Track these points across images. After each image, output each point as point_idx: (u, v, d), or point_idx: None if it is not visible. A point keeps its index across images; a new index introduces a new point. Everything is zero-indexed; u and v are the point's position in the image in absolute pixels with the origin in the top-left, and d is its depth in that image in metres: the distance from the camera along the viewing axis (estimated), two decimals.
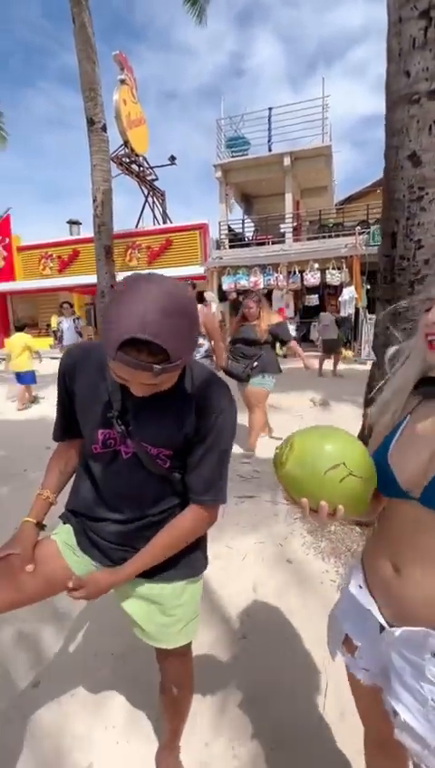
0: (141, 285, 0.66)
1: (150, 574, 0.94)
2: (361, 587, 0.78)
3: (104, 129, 5.89)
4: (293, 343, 3.70)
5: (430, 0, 1.41)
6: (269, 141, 13.21)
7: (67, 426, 0.99)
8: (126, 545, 0.93)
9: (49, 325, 9.98)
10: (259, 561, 2.20)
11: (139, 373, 0.68)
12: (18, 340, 6.06)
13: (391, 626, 0.70)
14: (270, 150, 13.10)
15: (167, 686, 1.09)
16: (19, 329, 6.38)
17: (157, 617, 0.97)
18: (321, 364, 7.90)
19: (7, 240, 15.27)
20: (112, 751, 1.27)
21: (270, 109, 13.18)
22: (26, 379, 6.02)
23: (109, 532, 0.93)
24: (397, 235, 1.79)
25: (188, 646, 1.07)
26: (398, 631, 0.67)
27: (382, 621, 0.72)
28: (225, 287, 12.04)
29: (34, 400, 6.38)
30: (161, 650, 1.02)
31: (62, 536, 1.00)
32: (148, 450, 0.86)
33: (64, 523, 1.03)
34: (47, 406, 6.23)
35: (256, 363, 3.58)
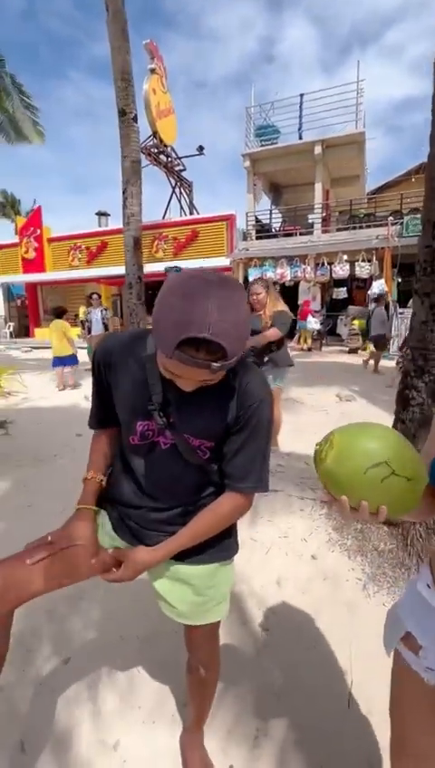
0: (198, 282, 0.65)
1: (184, 556, 0.95)
2: (429, 587, 0.74)
3: (135, 119, 5.89)
4: (271, 331, 3.09)
5: None
6: (300, 129, 12.90)
7: (104, 415, 1.00)
8: (161, 531, 0.94)
9: (77, 315, 10.17)
10: (283, 555, 2.19)
11: (195, 371, 0.68)
12: (57, 326, 6.63)
13: None
14: (301, 138, 12.78)
15: (194, 665, 1.11)
16: (58, 315, 6.78)
17: (189, 596, 0.98)
18: (377, 361, 7.70)
19: (38, 232, 15.66)
20: (138, 731, 1.30)
21: (301, 95, 12.83)
22: (68, 360, 6.62)
23: (145, 519, 0.94)
24: None
25: (217, 625, 1.08)
26: None
27: None
28: (251, 279, 11.93)
29: (75, 386, 6.75)
30: (190, 628, 1.04)
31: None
32: (189, 441, 0.86)
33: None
34: (76, 393, 6.41)
35: (266, 359, 3.26)
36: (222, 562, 1.01)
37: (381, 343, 7.92)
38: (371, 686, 1.40)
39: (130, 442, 0.91)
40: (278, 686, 1.45)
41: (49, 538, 0.94)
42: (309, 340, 11.15)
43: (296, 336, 11.55)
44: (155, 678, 1.48)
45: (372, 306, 9.48)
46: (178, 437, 0.86)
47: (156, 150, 13.83)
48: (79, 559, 0.92)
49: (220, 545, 0.99)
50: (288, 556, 2.18)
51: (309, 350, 11.04)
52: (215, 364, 0.66)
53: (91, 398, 1.03)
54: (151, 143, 13.56)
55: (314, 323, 10.99)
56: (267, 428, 0.88)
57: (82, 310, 9.60)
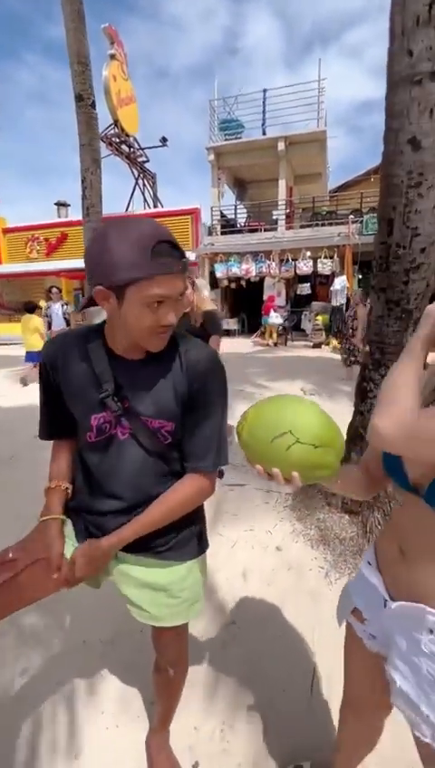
0: (123, 220, 0.71)
1: (154, 557, 0.92)
2: (370, 563, 0.82)
3: (93, 105, 5.66)
4: (214, 338, 2.92)
5: None
6: (263, 125, 12.96)
7: (55, 425, 0.94)
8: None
9: (37, 307, 9.74)
10: (248, 548, 2.21)
11: (174, 280, 0.71)
12: (29, 321, 6.50)
13: (393, 600, 0.74)
14: (264, 134, 12.85)
15: (162, 665, 1.09)
16: (29, 311, 6.61)
17: (163, 599, 0.96)
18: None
19: None
20: (103, 736, 1.27)
21: (265, 91, 12.88)
22: (38, 357, 6.40)
23: (111, 525, 0.89)
24: (394, 221, 1.76)
25: (186, 624, 1.06)
26: (395, 605, 0.72)
27: (386, 596, 0.76)
28: (217, 274, 11.91)
29: None
30: (160, 629, 1.01)
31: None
32: (148, 424, 0.83)
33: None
34: (35, 392, 6.14)
35: None
36: (193, 561, 0.98)
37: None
38: (333, 670, 1.44)
39: (87, 441, 0.87)
40: (244, 678, 1.46)
41: (10, 554, 0.88)
42: (275, 336, 11.31)
43: (260, 331, 11.68)
44: (119, 681, 1.45)
45: (334, 302, 9.73)
46: (135, 423, 0.83)
47: (117, 140, 13.43)
48: (40, 576, 0.86)
49: (190, 541, 0.97)
50: (254, 549, 2.20)
51: (275, 345, 11.21)
52: (184, 261, 0.72)
53: (40, 407, 0.96)
54: (113, 132, 13.15)
55: (275, 318, 11.13)
56: (222, 404, 0.87)
57: (42, 304, 9.22)
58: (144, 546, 0.91)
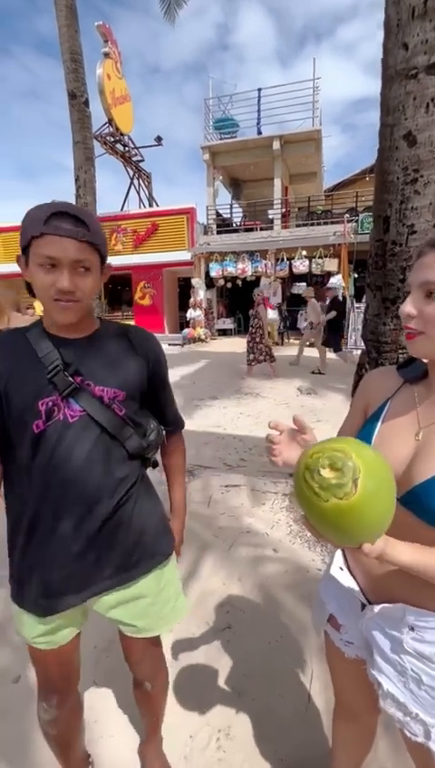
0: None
1: (125, 577, 0.90)
2: (342, 569, 0.80)
3: (86, 103, 5.61)
4: None
5: None
6: (258, 123, 12.91)
7: None
8: (94, 546, 0.85)
9: (28, 307, 9.68)
10: (245, 550, 2.18)
11: (70, 243, 0.74)
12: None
13: (371, 604, 0.73)
14: (260, 133, 12.81)
15: (139, 680, 1.06)
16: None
17: (145, 608, 0.94)
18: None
19: None
20: (97, 746, 1.24)
21: (259, 90, 12.85)
22: None
23: (77, 553, 0.83)
24: (390, 219, 1.73)
25: (158, 636, 1.03)
26: (377, 608, 0.70)
27: (363, 600, 0.75)
28: (213, 274, 11.87)
29: None
30: (129, 643, 0.99)
31: (39, 629, 0.88)
32: (103, 395, 0.83)
33: (21, 606, 0.88)
34: None
35: None
36: (162, 564, 0.96)
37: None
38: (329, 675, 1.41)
39: (33, 432, 0.79)
40: (240, 684, 1.43)
41: None
42: (274, 335, 11.27)
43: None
44: (113, 689, 1.42)
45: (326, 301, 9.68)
46: (88, 400, 0.81)
47: (112, 139, 13.35)
48: None
49: (156, 546, 0.95)
50: (250, 551, 2.17)
51: (274, 344, 11.20)
52: (81, 231, 0.75)
53: None
54: (107, 131, 13.07)
55: (273, 314, 11.06)
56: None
57: (38, 305, 9.14)
58: (116, 572, 0.88)
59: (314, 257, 10.75)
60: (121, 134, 13.59)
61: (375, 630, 0.73)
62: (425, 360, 0.69)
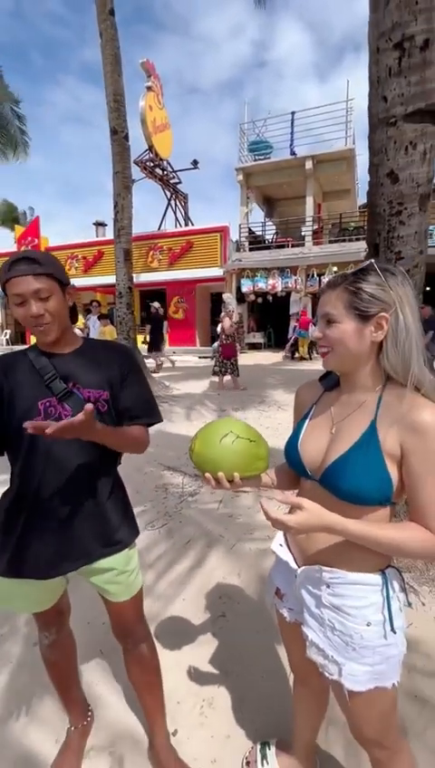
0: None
1: (99, 554, 1.08)
2: (281, 545, 0.97)
3: (126, 138, 6.16)
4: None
5: (403, 33, 1.53)
6: (292, 145, 13.26)
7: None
8: (88, 523, 1.04)
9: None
10: (246, 549, 2.34)
11: (27, 279, 0.93)
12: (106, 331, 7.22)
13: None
14: (293, 154, 13.14)
15: (132, 646, 1.20)
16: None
17: (115, 577, 1.12)
18: None
19: (36, 241, 15.90)
20: (96, 706, 1.43)
21: (293, 113, 13.24)
22: None
23: (73, 528, 1.03)
24: (379, 246, 1.89)
25: (141, 594, 1.20)
26: (299, 570, 0.88)
27: (295, 567, 0.91)
28: (244, 289, 12.17)
29: None
30: (121, 609, 1.15)
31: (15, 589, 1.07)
32: (89, 395, 1.03)
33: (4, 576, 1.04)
34: None
35: None
36: (130, 545, 1.14)
37: None
38: None
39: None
40: (228, 664, 1.59)
41: None
42: (305, 349, 11.34)
43: (290, 345, 11.74)
44: (108, 662, 1.61)
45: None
46: (77, 401, 0.99)
47: (151, 164, 14.19)
48: None
49: (129, 532, 1.14)
50: (251, 550, 2.33)
51: (301, 359, 11.26)
52: (33, 267, 0.93)
53: None
54: (147, 157, 13.92)
55: (314, 331, 11.10)
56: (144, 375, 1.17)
57: (80, 317, 9.82)
58: (105, 542, 1.08)
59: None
60: (161, 159, 14.39)
61: (303, 591, 0.90)
62: (338, 372, 0.87)
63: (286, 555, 0.95)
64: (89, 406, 0.83)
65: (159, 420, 1.17)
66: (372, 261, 0.77)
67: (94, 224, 17.84)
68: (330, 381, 0.91)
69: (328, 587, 0.84)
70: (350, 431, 0.81)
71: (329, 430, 0.85)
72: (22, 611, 1.14)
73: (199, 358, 11.94)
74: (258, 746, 1.26)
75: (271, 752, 1.24)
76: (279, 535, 1.00)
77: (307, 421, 0.91)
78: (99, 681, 1.53)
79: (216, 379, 7.33)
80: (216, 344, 7.46)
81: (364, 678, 0.81)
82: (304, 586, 0.89)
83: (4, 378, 1.02)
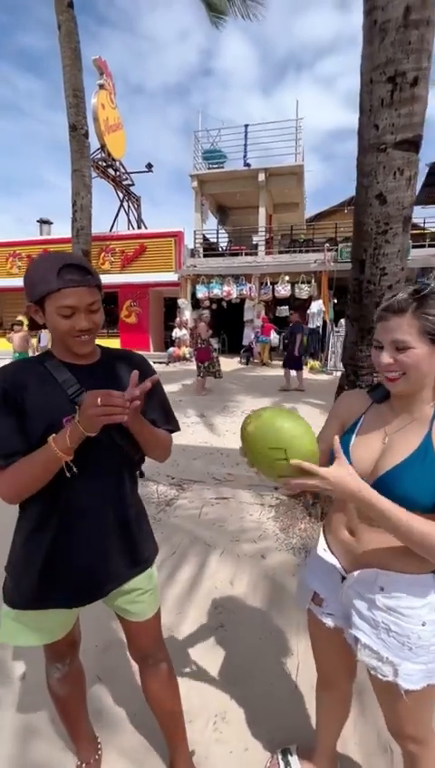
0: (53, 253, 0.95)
1: (125, 576, 1.04)
2: (325, 549, 0.99)
3: (86, 135, 5.94)
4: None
5: (396, 69, 1.67)
6: (245, 156, 13.65)
7: (11, 437, 0.92)
8: (114, 547, 0.99)
9: (14, 325, 9.65)
10: (235, 557, 2.34)
11: (81, 291, 0.88)
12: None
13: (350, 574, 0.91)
14: (247, 165, 13.53)
15: (143, 657, 1.14)
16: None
17: (139, 596, 1.08)
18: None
19: None
20: (104, 732, 1.35)
21: (246, 126, 13.65)
22: None
23: (101, 553, 0.97)
24: (365, 262, 2.02)
25: (159, 612, 1.15)
26: (356, 573, 0.90)
27: (343, 572, 0.94)
28: (199, 296, 12.22)
29: None
30: (146, 627, 1.10)
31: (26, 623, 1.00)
32: None
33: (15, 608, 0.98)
34: None
35: None
36: (152, 563, 1.12)
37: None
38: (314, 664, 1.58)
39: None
40: (234, 675, 1.58)
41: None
42: (266, 354, 11.62)
43: (244, 350, 11.98)
44: (116, 684, 1.53)
45: (311, 325, 10.12)
46: None
47: (104, 164, 13.81)
48: None
49: (151, 552, 1.11)
50: (240, 558, 2.33)
51: (263, 364, 11.55)
52: (90, 278, 0.89)
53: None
54: (99, 156, 13.52)
55: (275, 338, 11.41)
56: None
57: (24, 319, 9.20)
58: (132, 560, 1.04)
59: (296, 283, 11.28)
60: (113, 159, 14.06)
61: (353, 596, 0.91)
62: (403, 393, 0.89)
63: (332, 560, 0.97)
64: (154, 377, 0.86)
65: (178, 428, 1.14)
66: (434, 285, 0.82)
67: (39, 221, 16.89)
68: (378, 394, 0.95)
69: (382, 589, 0.87)
70: (405, 442, 0.85)
71: (381, 440, 0.89)
72: (31, 645, 1.03)
73: (154, 363, 11.73)
74: (279, 755, 1.27)
75: (293, 758, 1.25)
76: (321, 540, 1.02)
77: (357, 429, 0.94)
78: (102, 709, 1.44)
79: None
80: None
81: (418, 677, 0.85)
82: (353, 590, 0.91)
83: (25, 390, 0.92)
